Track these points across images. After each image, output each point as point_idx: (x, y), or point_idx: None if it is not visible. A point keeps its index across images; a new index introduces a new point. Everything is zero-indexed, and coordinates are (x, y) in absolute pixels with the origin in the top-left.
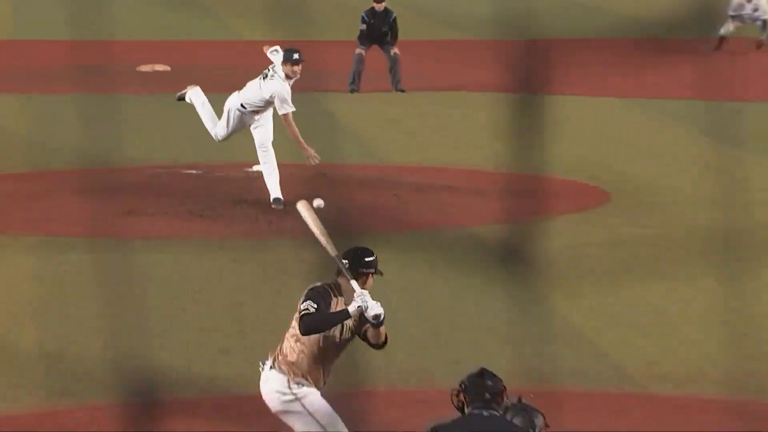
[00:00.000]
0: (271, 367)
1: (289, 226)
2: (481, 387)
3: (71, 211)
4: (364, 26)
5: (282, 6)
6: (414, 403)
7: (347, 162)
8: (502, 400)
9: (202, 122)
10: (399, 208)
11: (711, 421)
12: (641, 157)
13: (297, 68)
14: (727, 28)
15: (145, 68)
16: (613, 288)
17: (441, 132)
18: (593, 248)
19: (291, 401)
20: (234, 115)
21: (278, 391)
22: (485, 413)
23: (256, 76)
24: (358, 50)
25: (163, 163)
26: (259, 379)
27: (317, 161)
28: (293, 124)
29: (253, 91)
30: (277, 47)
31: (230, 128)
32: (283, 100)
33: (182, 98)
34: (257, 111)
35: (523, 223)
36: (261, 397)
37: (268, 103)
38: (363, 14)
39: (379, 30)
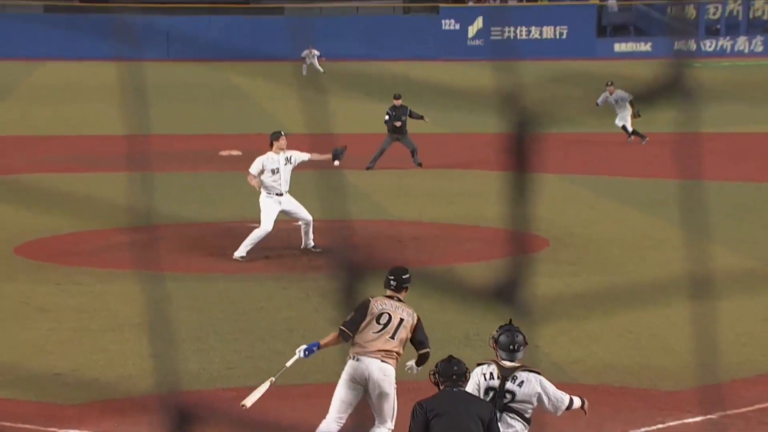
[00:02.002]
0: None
1: (323, 263)
2: (449, 370)
3: (170, 254)
4: (387, 117)
5: (317, 111)
6: (412, 390)
7: (365, 218)
8: (467, 379)
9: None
10: (401, 251)
11: (617, 402)
12: (576, 215)
13: (281, 142)
14: (619, 122)
15: (224, 153)
16: (555, 308)
17: (433, 197)
18: (540, 278)
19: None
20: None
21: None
22: (454, 389)
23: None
24: (387, 139)
25: (236, 220)
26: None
27: (256, 185)
28: (249, 175)
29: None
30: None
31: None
32: (255, 162)
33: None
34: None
35: (492, 261)
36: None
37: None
38: (388, 109)
39: (399, 119)
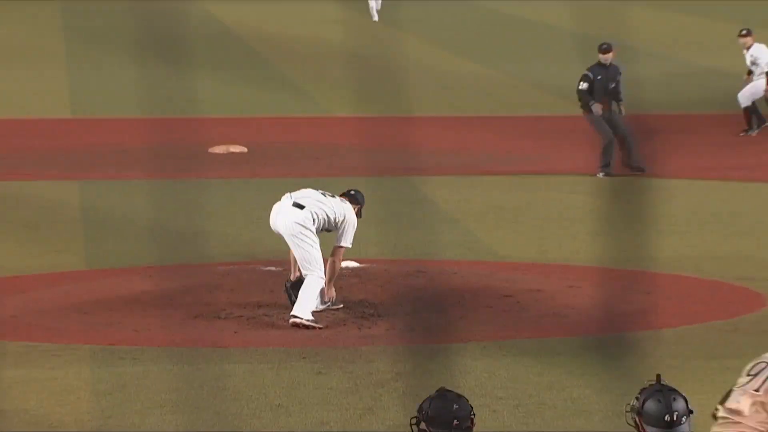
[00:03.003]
0: None
1: (383, 331)
2: (446, 412)
3: (133, 317)
4: (585, 85)
5: (373, 79)
6: None
7: (453, 257)
8: (473, 425)
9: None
10: (511, 312)
11: None
12: None
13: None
14: (744, 100)
15: (218, 149)
16: None
17: (564, 223)
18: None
19: None
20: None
21: None
22: None
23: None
24: (598, 122)
25: (239, 259)
26: None
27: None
28: (339, 253)
29: (327, 207)
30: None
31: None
32: (353, 228)
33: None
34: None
35: (664, 331)
36: None
37: (335, 226)
38: (587, 71)
39: (605, 88)
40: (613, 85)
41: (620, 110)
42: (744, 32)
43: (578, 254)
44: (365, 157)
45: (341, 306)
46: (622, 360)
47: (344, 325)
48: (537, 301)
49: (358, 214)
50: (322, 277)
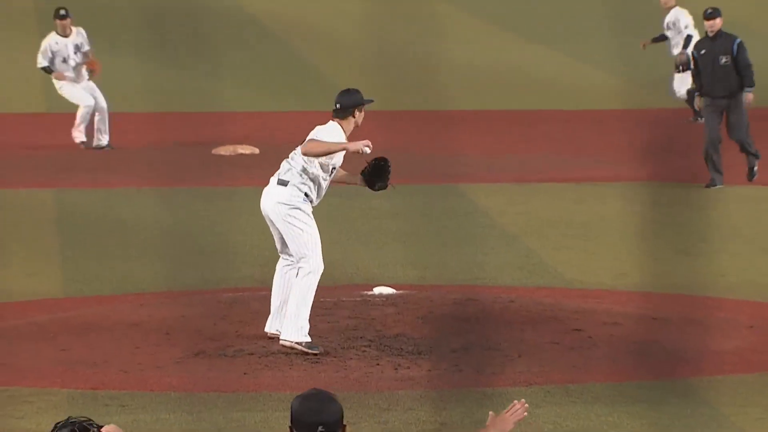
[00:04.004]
0: None
1: (424, 372)
2: (311, 413)
3: (121, 354)
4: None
5: (405, 66)
6: None
7: (506, 282)
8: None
9: None
10: (581, 349)
11: None
12: None
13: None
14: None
15: (224, 151)
16: None
17: (639, 239)
18: None
19: None
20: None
21: None
22: None
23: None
24: (709, 115)
25: (249, 284)
26: None
27: (369, 149)
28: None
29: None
30: None
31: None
32: (325, 130)
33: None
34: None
35: (763, 376)
36: None
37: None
38: (696, 43)
39: (713, 64)
40: (725, 60)
41: (743, 99)
42: None
43: (663, 279)
44: (400, 161)
45: (320, 351)
46: (719, 409)
47: (377, 364)
48: (612, 336)
49: (351, 115)
50: (318, 271)
